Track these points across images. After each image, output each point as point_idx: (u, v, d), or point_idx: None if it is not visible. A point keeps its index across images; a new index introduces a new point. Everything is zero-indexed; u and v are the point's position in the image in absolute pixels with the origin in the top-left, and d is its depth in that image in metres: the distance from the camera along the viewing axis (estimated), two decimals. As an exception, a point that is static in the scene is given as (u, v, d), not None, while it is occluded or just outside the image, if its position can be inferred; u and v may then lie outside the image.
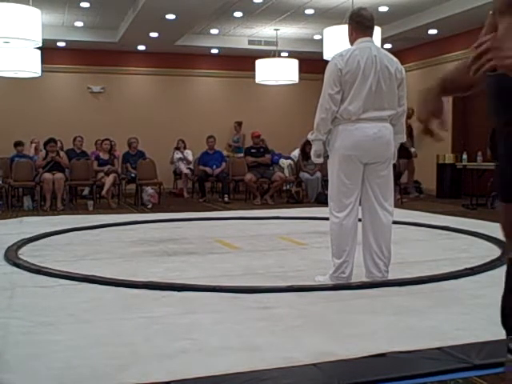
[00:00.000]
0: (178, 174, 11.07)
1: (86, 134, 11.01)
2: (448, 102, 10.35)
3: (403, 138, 3.97)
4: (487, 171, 9.48)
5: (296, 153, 10.81)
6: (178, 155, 10.94)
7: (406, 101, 3.89)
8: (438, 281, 3.84)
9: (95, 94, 12.29)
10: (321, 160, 3.92)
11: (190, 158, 10.94)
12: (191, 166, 10.91)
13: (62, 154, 9.28)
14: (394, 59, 3.81)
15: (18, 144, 9.84)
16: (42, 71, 9.01)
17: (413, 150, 8.77)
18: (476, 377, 2.28)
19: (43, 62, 8.88)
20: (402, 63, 3.94)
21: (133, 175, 9.83)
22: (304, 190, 10.39)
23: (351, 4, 7.97)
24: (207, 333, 2.78)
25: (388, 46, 10.53)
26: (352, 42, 3.84)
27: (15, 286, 3.76)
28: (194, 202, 10.08)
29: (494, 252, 4.87)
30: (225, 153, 11.26)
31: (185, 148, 11.07)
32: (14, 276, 4.09)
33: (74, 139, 10.28)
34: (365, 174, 3.75)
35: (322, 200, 9.05)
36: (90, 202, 9.00)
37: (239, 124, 12.32)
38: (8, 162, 9.45)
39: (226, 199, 10.09)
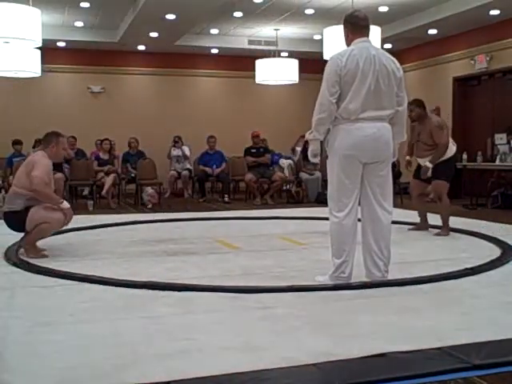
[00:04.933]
0: (177, 178, 10.97)
1: (86, 134, 11.02)
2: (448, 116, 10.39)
3: (403, 138, 3.97)
4: (487, 171, 9.48)
5: (299, 149, 10.82)
6: (175, 152, 10.86)
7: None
8: (437, 281, 3.84)
9: (95, 93, 12.28)
10: (318, 159, 3.92)
11: (188, 152, 10.86)
12: (189, 166, 10.86)
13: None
14: (392, 58, 3.81)
15: (16, 143, 9.77)
16: (42, 71, 9.01)
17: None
18: (476, 377, 2.27)
19: (43, 62, 8.88)
20: (402, 63, 3.94)
21: (133, 175, 9.83)
22: (304, 190, 10.39)
23: (351, 4, 7.96)
24: (207, 333, 2.78)
25: (388, 46, 10.53)
26: (348, 44, 3.82)
27: (15, 286, 3.76)
28: (194, 202, 10.08)
29: (494, 252, 4.87)
30: None
31: (182, 145, 10.96)
32: (14, 276, 4.09)
33: (67, 139, 10.26)
34: (364, 174, 3.75)
35: (321, 200, 9.04)
36: (90, 202, 9.00)
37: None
38: (5, 162, 9.40)
39: (226, 199, 10.08)
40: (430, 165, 5.81)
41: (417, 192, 6.21)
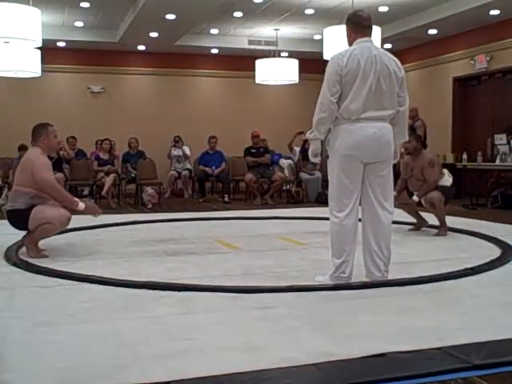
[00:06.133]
0: (177, 178, 10.97)
1: (86, 134, 11.03)
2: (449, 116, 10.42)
3: (405, 138, 3.97)
4: (487, 171, 9.49)
5: (298, 148, 10.83)
6: (175, 152, 10.87)
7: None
8: (437, 281, 3.84)
9: (95, 93, 12.29)
10: (318, 159, 3.92)
11: (188, 152, 10.88)
12: (190, 166, 10.86)
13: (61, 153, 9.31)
14: (394, 58, 3.80)
15: (21, 148, 9.73)
16: (42, 71, 9.01)
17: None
18: (476, 377, 2.27)
19: (43, 62, 8.88)
20: (402, 63, 3.93)
21: (133, 175, 9.83)
22: (304, 190, 10.40)
23: (351, 4, 7.96)
24: (207, 333, 2.78)
25: (388, 46, 10.53)
26: (351, 43, 3.82)
27: (15, 286, 3.76)
28: (194, 202, 10.08)
29: (494, 252, 4.87)
30: None
31: (182, 144, 10.95)
32: (14, 276, 4.09)
33: (67, 140, 10.29)
34: (365, 174, 3.75)
35: (322, 200, 9.05)
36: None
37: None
38: (12, 164, 9.38)
39: (226, 199, 10.08)
40: (417, 198, 5.98)
41: (400, 201, 6.22)
